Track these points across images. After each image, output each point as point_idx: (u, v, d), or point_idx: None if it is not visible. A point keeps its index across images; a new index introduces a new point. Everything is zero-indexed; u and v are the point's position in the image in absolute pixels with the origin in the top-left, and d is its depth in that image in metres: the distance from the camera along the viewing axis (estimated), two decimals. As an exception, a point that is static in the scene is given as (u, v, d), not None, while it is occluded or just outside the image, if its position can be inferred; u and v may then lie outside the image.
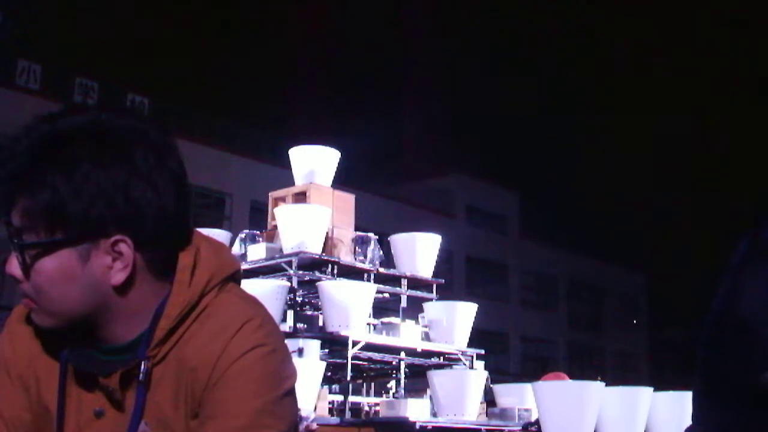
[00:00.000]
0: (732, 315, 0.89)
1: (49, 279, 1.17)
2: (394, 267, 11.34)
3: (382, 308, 12.85)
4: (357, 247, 10.82)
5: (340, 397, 11.34)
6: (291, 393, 1.24)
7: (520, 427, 9.42)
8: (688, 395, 8.45)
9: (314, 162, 11.02)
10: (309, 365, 8.60)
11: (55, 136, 1.18)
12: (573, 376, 9.28)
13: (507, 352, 37.22)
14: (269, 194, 11.36)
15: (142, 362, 1.21)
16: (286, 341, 1.29)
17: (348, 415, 10.25)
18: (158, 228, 1.20)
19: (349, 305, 9.76)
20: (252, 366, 1.20)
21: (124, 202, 1.16)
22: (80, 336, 1.24)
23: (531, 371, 31.29)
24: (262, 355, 1.21)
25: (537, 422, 8.35)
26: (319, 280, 10.23)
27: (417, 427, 9.28)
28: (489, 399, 10.72)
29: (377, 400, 12.08)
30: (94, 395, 1.24)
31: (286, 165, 11.77)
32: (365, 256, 10.76)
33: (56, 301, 1.18)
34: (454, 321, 10.79)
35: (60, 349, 1.25)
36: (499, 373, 28.38)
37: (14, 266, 1.19)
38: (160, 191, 1.19)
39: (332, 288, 9.91)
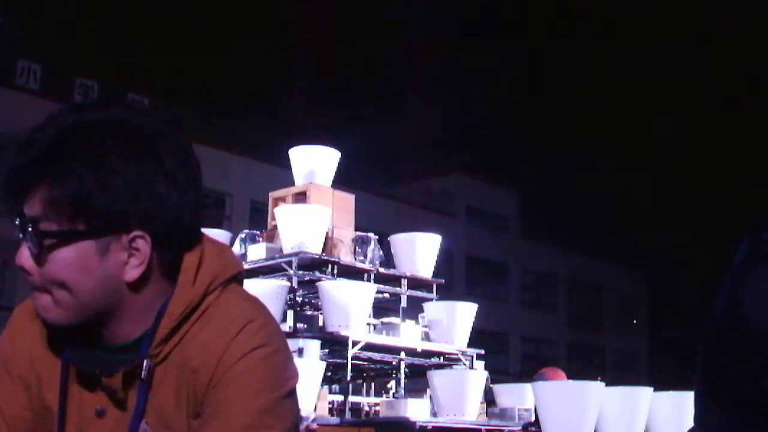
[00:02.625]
0: (734, 318, 0.88)
1: (65, 269, 1.17)
2: (394, 267, 11.33)
3: (382, 308, 12.84)
4: (357, 247, 10.81)
5: (340, 397, 11.33)
6: (293, 393, 1.24)
7: (520, 427, 9.41)
8: (688, 395, 8.43)
9: (314, 162, 11.01)
10: (309, 365, 8.59)
11: (82, 126, 1.18)
12: (573, 376, 9.26)
13: (507, 352, 37.20)
14: (269, 194, 11.34)
15: (144, 360, 1.20)
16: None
17: (348, 415, 10.24)
18: (176, 227, 1.21)
19: (349, 305, 9.75)
20: (254, 366, 1.20)
21: (149, 198, 1.16)
22: (83, 334, 1.24)
23: (531, 371, 31.28)
24: (264, 355, 1.21)
25: (537, 422, 8.34)
26: (319, 280, 10.22)
27: (417, 427, 9.27)
28: (489, 399, 10.72)
29: (377, 400, 12.07)
30: (95, 395, 1.24)
31: (286, 165, 11.76)
32: (365, 256, 10.75)
33: (70, 293, 1.18)
34: (454, 321, 10.78)
35: (62, 348, 1.25)
36: (499, 373, 28.36)
37: (25, 257, 1.18)
38: (182, 191, 1.20)
39: (332, 288, 9.90)
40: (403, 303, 11.29)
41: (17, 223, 1.18)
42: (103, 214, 1.15)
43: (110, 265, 1.18)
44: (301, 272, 10.25)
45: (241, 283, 1.32)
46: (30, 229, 1.16)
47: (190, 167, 1.23)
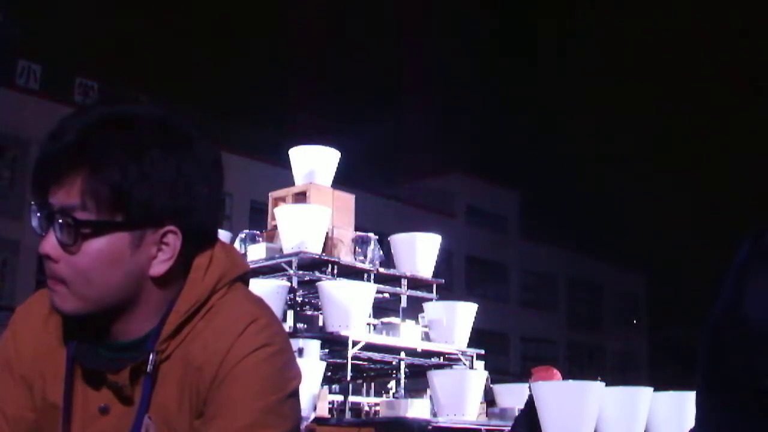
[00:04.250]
0: (735, 318, 0.89)
1: (96, 260, 1.15)
2: (394, 267, 11.33)
3: (382, 308, 12.84)
4: (357, 247, 10.81)
5: (340, 397, 11.33)
6: (295, 394, 1.24)
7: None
8: (688, 395, 8.41)
9: (314, 162, 11.01)
10: (309, 365, 8.59)
11: (124, 116, 1.16)
12: (573, 376, 9.27)
13: (507, 352, 37.20)
14: (269, 194, 11.34)
15: (150, 355, 1.20)
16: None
17: (348, 415, 10.24)
18: (205, 225, 1.21)
19: (349, 305, 9.75)
20: (257, 366, 1.20)
21: (185, 194, 1.16)
22: (89, 331, 1.23)
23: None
24: (268, 355, 1.21)
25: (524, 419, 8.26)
26: (319, 280, 10.22)
27: (417, 427, 9.28)
28: (489, 399, 10.72)
29: (377, 400, 12.07)
30: (99, 392, 1.24)
31: (286, 165, 11.76)
32: (365, 256, 10.75)
33: (94, 284, 1.16)
34: (454, 321, 10.78)
35: (66, 346, 1.25)
36: (499, 373, 28.36)
37: (51, 245, 1.15)
38: (213, 191, 1.20)
39: (332, 288, 9.90)
40: (403, 303, 11.29)
41: (38, 214, 1.16)
42: (142, 207, 1.13)
43: (141, 258, 1.17)
44: (301, 272, 10.25)
45: (247, 284, 1.32)
46: (61, 219, 1.14)
47: (220, 168, 1.24)
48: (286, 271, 10.15)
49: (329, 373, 10.57)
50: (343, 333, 9.69)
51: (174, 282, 1.22)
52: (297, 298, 10.54)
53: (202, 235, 1.22)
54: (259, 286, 9.17)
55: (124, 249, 1.15)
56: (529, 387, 8.04)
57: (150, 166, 1.13)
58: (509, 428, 9.60)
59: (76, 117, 1.16)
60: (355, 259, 10.69)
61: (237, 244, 10.88)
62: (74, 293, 1.17)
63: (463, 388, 9.76)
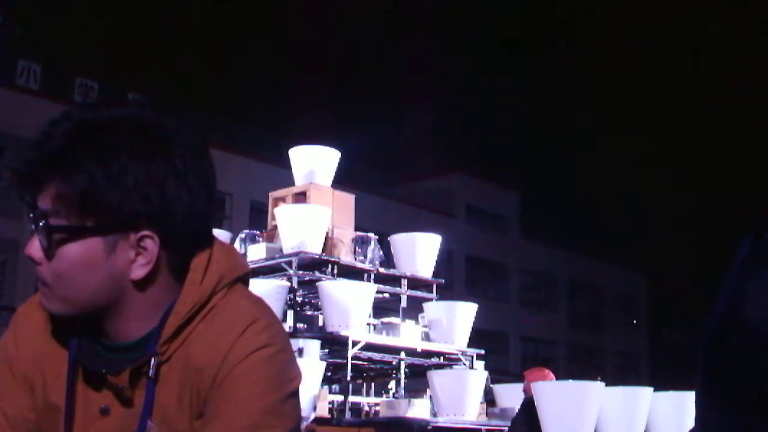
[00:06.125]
0: (736, 319, 0.89)
1: (71, 265, 1.17)
2: (394, 267, 11.33)
3: (382, 308, 12.84)
4: (357, 247, 10.82)
5: (340, 397, 11.33)
6: (295, 394, 1.24)
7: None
8: (688, 395, 8.41)
9: (314, 162, 11.02)
10: (309, 365, 8.59)
11: (97, 123, 1.18)
12: (573, 376, 9.27)
13: (507, 352, 37.20)
14: (269, 194, 11.35)
15: (152, 358, 1.21)
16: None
17: (348, 415, 10.25)
18: (186, 228, 1.21)
19: (349, 305, 9.76)
20: (258, 366, 1.20)
21: (159, 198, 1.17)
22: (87, 330, 1.24)
23: (531, 371, 31.10)
24: (268, 355, 1.21)
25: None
26: (319, 280, 10.23)
27: (417, 427, 9.28)
28: (489, 399, 10.72)
29: (377, 400, 12.07)
30: (100, 393, 1.24)
31: (286, 165, 11.76)
32: (365, 256, 10.76)
33: (74, 288, 1.18)
34: (454, 321, 10.79)
35: (67, 347, 1.26)
36: (499, 373, 28.37)
37: (35, 248, 1.18)
38: (193, 192, 1.20)
39: (332, 288, 9.90)
40: (403, 303, 11.30)
41: (30, 216, 1.19)
42: (112, 212, 1.15)
43: (117, 263, 1.18)
44: (301, 272, 10.26)
45: (247, 284, 1.32)
46: (41, 223, 1.17)
47: (202, 169, 1.23)
48: (286, 271, 10.15)
49: (329, 373, 10.58)
50: (343, 333, 9.69)
51: (164, 283, 1.23)
52: (297, 298, 10.54)
53: (184, 239, 1.22)
54: (259, 286, 9.17)
55: (99, 253, 1.17)
56: (523, 389, 8.07)
57: (119, 172, 1.14)
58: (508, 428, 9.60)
59: (54, 124, 1.19)
60: (355, 259, 10.69)
61: (237, 244, 10.88)
62: (57, 295, 1.20)
63: (463, 388, 9.77)
